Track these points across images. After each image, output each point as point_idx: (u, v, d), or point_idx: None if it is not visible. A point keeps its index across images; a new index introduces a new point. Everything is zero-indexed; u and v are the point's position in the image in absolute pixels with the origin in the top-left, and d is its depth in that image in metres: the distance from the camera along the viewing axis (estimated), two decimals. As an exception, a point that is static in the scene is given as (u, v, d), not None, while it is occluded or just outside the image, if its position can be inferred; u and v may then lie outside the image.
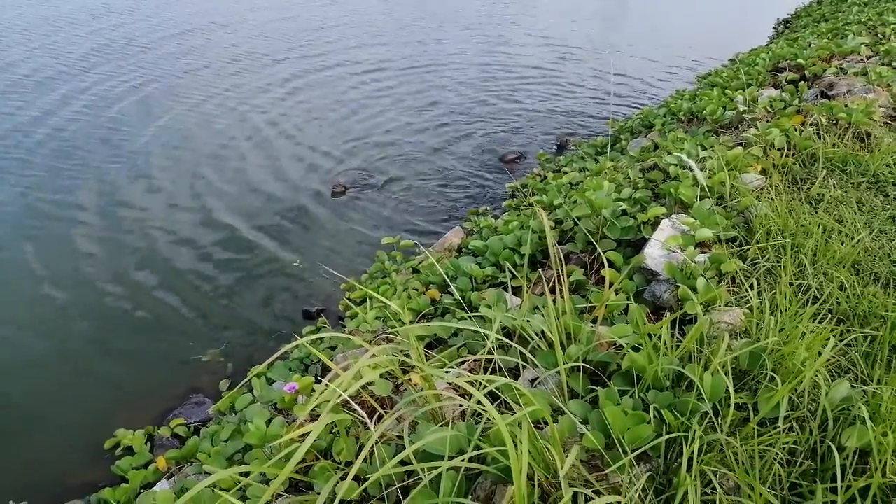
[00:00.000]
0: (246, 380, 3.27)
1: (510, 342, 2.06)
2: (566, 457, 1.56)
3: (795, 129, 3.68)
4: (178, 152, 7.49)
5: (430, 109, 9.16)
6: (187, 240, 5.72)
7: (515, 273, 2.82)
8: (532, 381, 2.11)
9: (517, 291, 2.92)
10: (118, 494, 2.85)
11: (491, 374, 1.99)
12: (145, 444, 3.45)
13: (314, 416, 2.43)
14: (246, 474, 2.04)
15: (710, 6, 17.03)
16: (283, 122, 8.38)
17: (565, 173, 4.72)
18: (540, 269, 2.85)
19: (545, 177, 5.60)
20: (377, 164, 7.42)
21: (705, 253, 2.62)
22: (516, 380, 2.13)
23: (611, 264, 2.64)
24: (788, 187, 3.16)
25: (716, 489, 1.52)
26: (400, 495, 1.76)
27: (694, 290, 2.26)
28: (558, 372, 1.95)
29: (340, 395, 1.67)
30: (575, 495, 1.53)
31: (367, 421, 1.67)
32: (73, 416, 3.94)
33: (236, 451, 2.48)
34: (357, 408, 1.65)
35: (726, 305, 2.24)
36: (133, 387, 4.21)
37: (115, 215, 6.08)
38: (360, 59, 11.26)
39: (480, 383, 1.72)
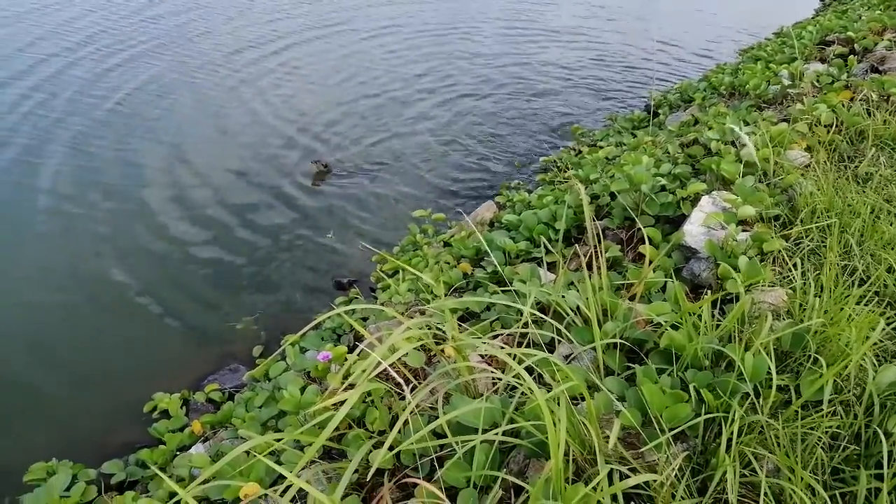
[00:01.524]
0: (280, 349, 3.31)
1: (544, 317, 2.04)
2: (603, 433, 1.55)
3: (843, 105, 3.55)
4: (212, 120, 7.51)
5: (457, 80, 9.04)
6: (224, 210, 5.76)
7: (550, 248, 2.79)
8: (566, 357, 2.09)
9: (551, 267, 2.89)
10: (156, 455, 2.91)
11: (525, 348, 1.97)
12: (181, 407, 3.51)
13: (347, 385, 2.45)
14: (280, 440, 2.07)
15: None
16: (313, 95, 8.35)
17: (601, 147, 4.63)
18: (576, 245, 2.81)
19: (580, 151, 5.52)
20: (406, 137, 7.36)
21: (747, 231, 2.56)
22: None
23: (649, 241, 2.59)
24: (835, 165, 3.06)
25: (755, 471, 1.49)
26: (436, 464, 1.76)
27: (735, 268, 2.20)
28: (594, 348, 1.93)
29: (377, 366, 1.68)
30: (610, 472, 1.52)
31: (405, 390, 1.67)
32: (112, 379, 4.03)
33: (270, 417, 2.52)
34: (396, 375, 1.65)
35: (769, 285, 2.18)
36: (169, 352, 4.29)
37: (150, 183, 6.15)
38: (397, 22, 11.13)
39: (516, 356, 1.71)
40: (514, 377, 1.61)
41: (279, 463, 1.97)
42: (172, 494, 2.45)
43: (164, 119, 7.41)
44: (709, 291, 2.33)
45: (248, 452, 2.11)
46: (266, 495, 1.98)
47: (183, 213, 5.66)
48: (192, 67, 8.90)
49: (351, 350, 2.94)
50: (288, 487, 1.45)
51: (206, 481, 1.95)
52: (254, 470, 1.94)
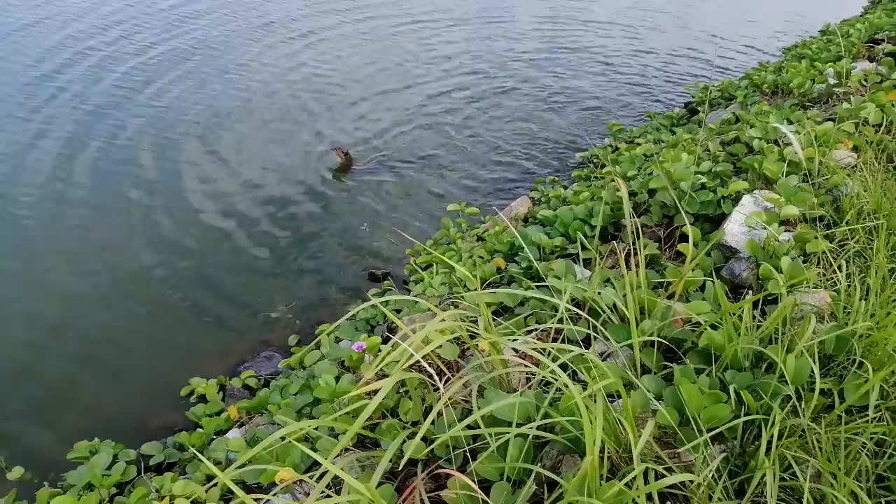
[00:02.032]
0: (316, 340, 3.35)
1: (580, 312, 2.02)
2: (639, 432, 1.54)
3: (893, 105, 3.45)
4: (244, 114, 7.59)
5: (490, 73, 9.00)
6: (259, 202, 5.84)
7: (587, 244, 2.76)
8: (601, 355, 2.08)
9: (587, 264, 2.87)
10: (193, 439, 2.97)
11: (560, 344, 1.96)
12: (218, 393, 3.57)
13: (380, 375, 2.47)
14: (316, 428, 2.10)
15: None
16: (345, 88, 8.38)
17: (639, 144, 4.58)
18: (613, 242, 2.78)
19: (616, 147, 5.46)
20: (437, 130, 7.35)
21: (789, 231, 2.51)
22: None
23: (689, 239, 2.55)
24: (883, 166, 2.98)
25: (795, 475, 1.47)
26: (468, 456, 1.76)
27: (777, 269, 2.16)
28: (630, 346, 1.91)
29: (411, 357, 1.68)
30: (645, 471, 1.51)
31: (437, 382, 1.68)
32: (152, 364, 4.13)
33: (305, 404, 2.55)
34: (427, 367, 1.66)
35: (812, 287, 2.14)
36: (207, 340, 4.37)
37: (185, 176, 6.25)
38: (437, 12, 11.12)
39: (549, 352, 1.71)
40: (549, 373, 1.60)
41: (314, 450, 2.00)
42: (210, 477, 2.51)
43: (196, 112, 7.51)
44: (749, 292, 2.29)
45: (283, 438, 2.14)
46: (301, 481, 2.01)
47: (219, 206, 5.75)
48: (225, 60, 9.01)
49: (385, 341, 2.96)
50: (323, 474, 1.47)
51: (242, 465, 1.99)
52: (289, 455, 1.97)
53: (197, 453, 1.59)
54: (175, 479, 2.50)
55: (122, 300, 4.62)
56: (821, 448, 1.51)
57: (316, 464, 2.11)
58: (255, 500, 1.34)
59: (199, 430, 3.06)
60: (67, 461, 3.03)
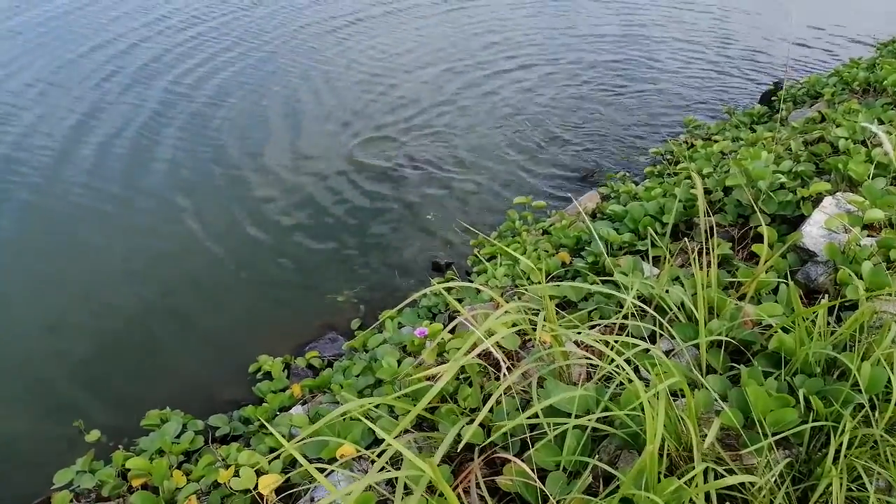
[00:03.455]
0: (378, 322, 3.42)
1: (647, 308, 2.00)
2: (701, 432, 1.51)
3: None
4: (309, 106, 7.74)
5: (555, 62, 8.87)
6: (326, 192, 5.96)
7: (657, 241, 2.71)
8: (666, 353, 2.05)
9: (656, 261, 2.82)
10: (259, 412, 3.09)
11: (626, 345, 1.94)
12: (283, 371, 3.70)
13: (441, 361, 2.51)
14: (376, 408, 2.16)
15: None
16: (410, 81, 8.41)
17: (716, 142, 4.43)
18: (685, 239, 2.72)
19: (692, 144, 5.31)
20: (502, 123, 7.30)
21: (873, 237, 2.39)
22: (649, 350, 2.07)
23: (764, 240, 2.48)
24: (982, 171, 2.80)
25: (863, 486, 1.42)
26: (527, 443, 1.77)
27: (857, 275, 2.07)
28: (696, 346, 1.88)
29: (474, 347, 1.71)
30: (705, 470, 1.48)
31: (503, 369, 1.69)
32: (223, 341, 4.32)
33: (366, 385, 2.62)
34: (495, 351, 1.67)
35: (894, 296, 2.04)
36: (274, 320, 4.54)
37: (253, 168, 6.44)
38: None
39: (614, 345, 1.70)
40: (612, 366, 1.60)
41: (373, 430, 2.05)
42: (272, 450, 2.61)
43: (259, 108, 7.70)
44: (825, 297, 2.21)
45: (343, 417, 2.21)
46: (359, 458, 2.07)
47: (289, 198, 5.91)
48: (278, 56, 9.16)
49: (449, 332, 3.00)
50: (383, 453, 1.51)
51: (305, 439, 2.07)
52: (350, 432, 2.03)
53: (265, 423, 1.66)
54: (240, 449, 2.61)
55: (198, 284, 4.85)
56: (894, 461, 1.45)
57: (375, 443, 2.17)
58: (318, 470, 1.39)
59: (264, 404, 3.18)
60: (140, 428, 3.21)
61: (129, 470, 2.43)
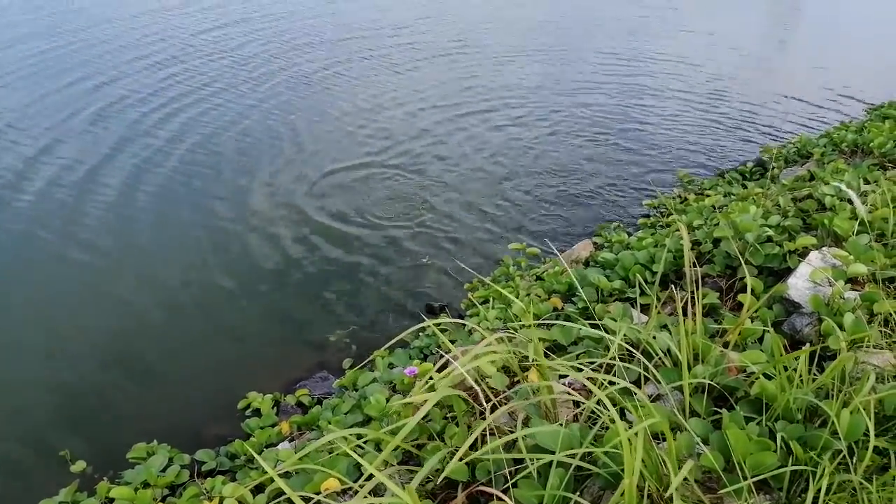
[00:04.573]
0: (369, 359, 3.44)
1: (634, 351, 2.04)
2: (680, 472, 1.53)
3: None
4: (312, 143, 7.91)
5: (553, 114, 9.10)
6: (323, 230, 6.03)
7: (646, 289, 2.76)
8: (651, 397, 2.07)
9: (645, 309, 2.86)
10: (246, 447, 3.09)
11: (610, 384, 1.97)
12: (272, 408, 3.70)
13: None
14: (364, 444, 2.16)
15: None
16: (407, 124, 8.61)
17: (708, 196, 4.54)
18: (672, 287, 2.77)
19: (685, 198, 5.42)
20: (497, 171, 7.43)
21: (856, 290, 2.45)
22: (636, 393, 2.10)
23: (751, 291, 2.53)
24: (964, 232, 2.87)
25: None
26: (509, 481, 1.78)
27: (840, 326, 2.12)
28: (680, 390, 1.91)
29: (458, 374, 1.73)
30: (686, 513, 1.50)
31: (484, 405, 1.72)
32: (212, 376, 4.31)
33: (355, 423, 2.62)
34: (473, 383, 1.70)
35: (876, 347, 2.08)
36: (265, 357, 4.54)
37: (258, 195, 6.57)
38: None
39: (600, 383, 1.72)
40: (596, 403, 1.62)
41: (359, 466, 2.06)
42: (259, 487, 2.59)
43: (269, 137, 7.91)
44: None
45: (329, 451, 2.22)
46: (344, 493, 2.07)
47: (286, 231, 5.99)
48: (294, 84, 9.48)
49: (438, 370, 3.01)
50: (367, 482, 1.52)
51: (289, 471, 2.07)
52: (335, 466, 2.04)
53: (255, 454, 1.68)
54: (225, 482, 2.61)
55: (190, 317, 4.87)
56: (872, 508, 1.47)
57: (360, 478, 2.17)
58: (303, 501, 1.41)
59: (251, 439, 3.17)
60: (126, 461, 3.19)
61: (112, 500, 2.42)
